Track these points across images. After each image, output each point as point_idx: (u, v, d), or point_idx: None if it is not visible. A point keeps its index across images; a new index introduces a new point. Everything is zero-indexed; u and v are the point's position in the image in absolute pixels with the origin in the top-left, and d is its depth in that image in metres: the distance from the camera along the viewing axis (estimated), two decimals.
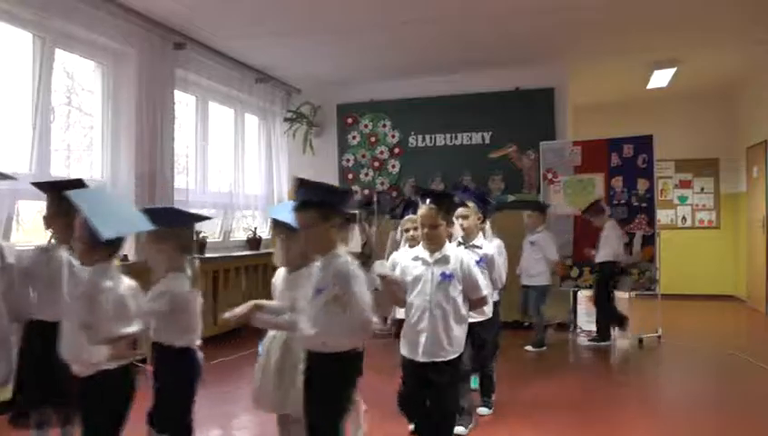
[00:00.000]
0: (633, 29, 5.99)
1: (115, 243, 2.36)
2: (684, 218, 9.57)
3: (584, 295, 7.17)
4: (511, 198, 7.15)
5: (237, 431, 3.90)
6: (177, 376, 2.54)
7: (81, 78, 5.27)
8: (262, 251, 7.19)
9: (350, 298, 2.26)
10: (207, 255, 6.14)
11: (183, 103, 6.37)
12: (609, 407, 4.26)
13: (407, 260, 2.89)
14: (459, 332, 2.78)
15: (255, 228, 7.34)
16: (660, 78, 7.79)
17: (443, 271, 2.76)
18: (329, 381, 2.34)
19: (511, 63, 7.08)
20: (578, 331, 6.83)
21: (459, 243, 3.51)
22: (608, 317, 6.26)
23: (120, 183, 5.30)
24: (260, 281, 7.02)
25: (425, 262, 2.81)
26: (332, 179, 7.86)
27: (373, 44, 6.41)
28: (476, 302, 2.87)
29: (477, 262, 3.38)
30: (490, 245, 3.79)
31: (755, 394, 4.56)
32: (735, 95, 8.85)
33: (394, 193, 7.62)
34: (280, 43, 6.29)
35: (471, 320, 3.34)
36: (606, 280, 6.22)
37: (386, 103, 7.77)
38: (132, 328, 2.32)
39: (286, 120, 7.93)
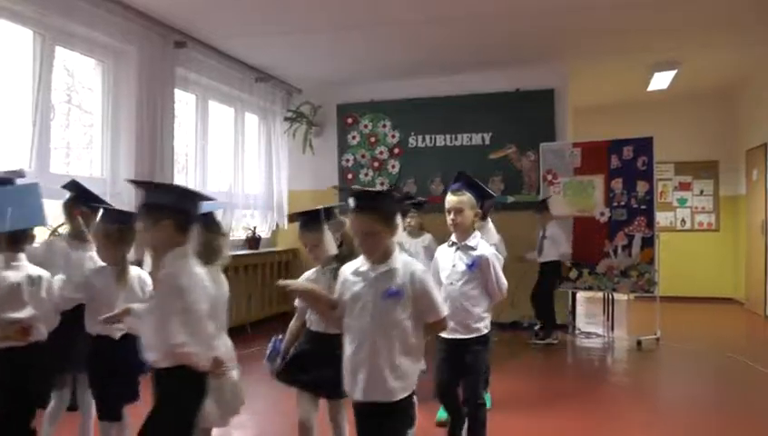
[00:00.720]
0: (633, 30, 6.00)
1: (15, 236, 2.60)
2: (683, 220, 9.58)
3: (583, 297, 7.18)
4: (511, 199, 7.17)
5: (235, 430, 3.89)
6: (94, 362, 2.78)
7: (81, 76, 5.27)
8: (262, 250, 7.19)
9: (162, 313, 2.10)
10: None
11: (183, 101, 6.37)
12: (607, 408, 4.26)
13: (347, 272, 2.31)
14: (409, 366, 2.22)
15: (254, 227, 7.34)
16: (660, 80, 7.79)
17: (388, 287, 2.19)
18: (160, 398, 2.18)
19: (511, 64, 7.09)
20: (577, 332, 6.83)
21: (453, 244, 3.14)
22: (547, 317, 6.33)
23: (119, 181, 5.29)
24: (258, 279, 7.03)
25: (365, 277, 2.23)
26: (332, 179, 7.87)
27: (373, 44, 6.41)
28: (433, 326, 2.29)
29: (469, 267, 3.05)
30: (487, 246, 3.18)
31: (754, 397, 4.56)
32: (735, 98, 8.86)
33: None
34: (281, 42, 6.29)
35: (456, 336, 3.00)
36: (551, 279, 6.31)
37: (386, 103, 7.77)
38: (21, 314, 2.55)
39: (286, 119, 7.93)
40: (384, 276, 2.21)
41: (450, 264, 3.09)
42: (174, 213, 2.19)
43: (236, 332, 5.95)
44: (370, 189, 2.18)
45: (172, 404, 2.16)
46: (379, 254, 2.23)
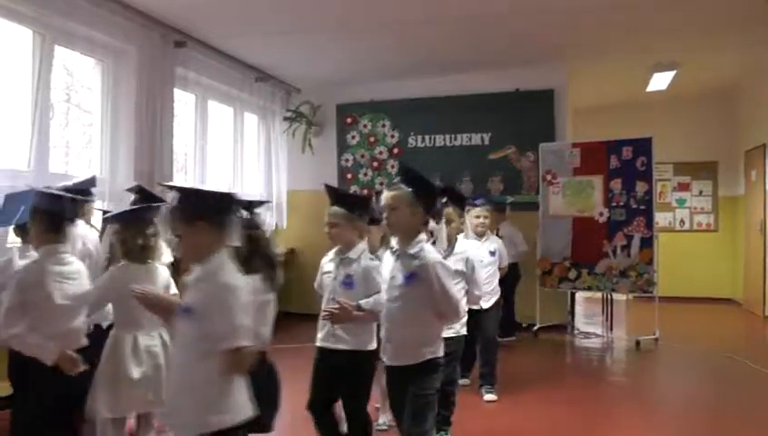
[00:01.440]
0: (633, 31, 6.00)
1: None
2: (682, 221, 9.58)
3: (582, 297, 7.17)
4: (510, 199, 7.17)
5: None
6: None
7: (80, 75, 5.26)
8: None
9: (7, 302, 2.35)
10: None
11: (183, 101, 6.36)
12: (606, 409, 4.26)
13: None
14: (208, 401, 1.76)
15: None
16: (660, 81, 7.80)
17: (186, 304, 1.82)
18: (21, 384, 2.39)
19: (511, 64, 7.09)
20: (576, 332, 6.84)
21: (394, 251, 2.53)
22: (505, 317, 6.26)
23: (119, 180, 5.28)
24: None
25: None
26: (332, 179, 7.86)
27: (373, 44, 6.41)
28: (226, 359, 1.75)
29: (407, 279, 2.42)
30: (434, 252, 2.50)
31: (753, 397, 4.57)
32: (734, 98, 8.87)
33: None
34: (281, 42, 6.28)
35: (399, 363, 2.46)
36: (508, 280, 6.25)
37: (385, 103, 7.76)
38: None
39: (285, 119, 7.93)
40: (189, 289, 1.83)
41: (390, 276, 2.51)
42: (43, 213, 2.49)
43: None
44: (190, 187, 2.01)
45: (29, 391, 2.36)
46: (189, 259, 1.85)
